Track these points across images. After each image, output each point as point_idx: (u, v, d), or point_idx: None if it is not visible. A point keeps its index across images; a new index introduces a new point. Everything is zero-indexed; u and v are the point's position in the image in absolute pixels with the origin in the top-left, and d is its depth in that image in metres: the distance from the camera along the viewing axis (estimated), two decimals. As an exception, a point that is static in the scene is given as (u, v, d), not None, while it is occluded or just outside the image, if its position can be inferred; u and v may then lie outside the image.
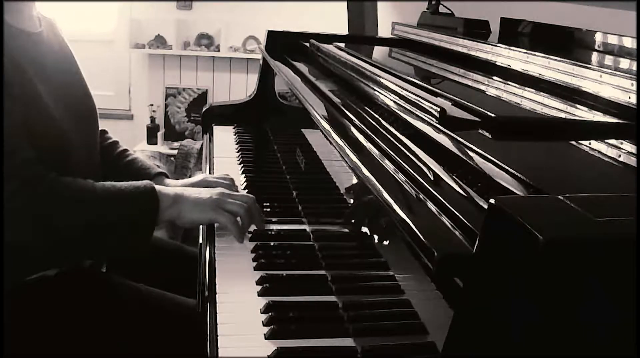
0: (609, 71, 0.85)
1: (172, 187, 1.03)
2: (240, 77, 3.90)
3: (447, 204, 0.60)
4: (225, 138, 1.69)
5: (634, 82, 0.79)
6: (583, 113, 0.85)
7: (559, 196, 0.46)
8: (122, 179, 1.22)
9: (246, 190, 1.27)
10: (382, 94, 0.96)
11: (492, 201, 0.45)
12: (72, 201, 0.91)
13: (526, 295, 0.42)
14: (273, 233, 1.09)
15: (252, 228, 1.05)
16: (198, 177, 1.25)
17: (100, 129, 1.25)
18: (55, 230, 0.88)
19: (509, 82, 1.05)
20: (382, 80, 0.99)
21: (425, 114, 0.78)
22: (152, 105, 3.86)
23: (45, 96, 0.95)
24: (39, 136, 0.93)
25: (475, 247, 0.47)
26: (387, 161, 0.76)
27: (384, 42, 1.84)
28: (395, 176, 0.72)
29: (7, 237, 0.84)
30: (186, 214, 0.99)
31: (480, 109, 0.75)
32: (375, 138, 0.84)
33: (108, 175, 1.20)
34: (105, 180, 1.21)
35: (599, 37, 1.12)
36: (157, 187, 0.99)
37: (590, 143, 0.71)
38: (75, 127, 1.02)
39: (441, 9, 1.85)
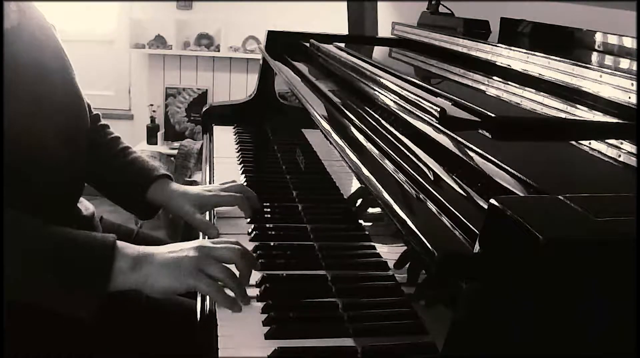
0: (609, 71, 0.85)
1: (138, 247, 0.85)
2: (240, 77, 3.90)
3: (447, 204, 0.60)
4: (225, 138, 1.69)
5: (634, 82, 0.79)
6: (583, 113, 0.85)
7: (559, 196, 0.46)
8: (122, 179, 1.17)
9: (218, 230, 1.22)
10: (382, 94, 0.96)
11: (492, 201, 0.45)
12: (21, 245, 0.81)
13: (526, 294, 0.42)
14: (273, 233, 1.09)
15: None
16: (211, 191, 1.13)
17: (101, 123, 1.21)
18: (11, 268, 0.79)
19: (509, 82, 1.05)
20: (382, 80, 0.99)
21: (425, 114, 0.78)
22: (152, 105, 3.86)
23: (21, 98, 0.89)
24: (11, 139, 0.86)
25: (475, 247, 0.47)
26: (387, 161, 0.76)
27: (384, 42, 1.84)
28: (395, 176, 0.72)
29: None
30: (154, 283, 0.82)
31: (480, 109, 0.75)
32: (375, 138, 0.84)
33: (106, 174, 1.17)
34: (102, 179, 1.17)
35: (599, 37, 1.12)
36: (121, 246, 0.83)
37: (590, 143, 0.71)
38: (54, 124, 0.96)
39: (441, 9, 1.85)
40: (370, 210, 0.85)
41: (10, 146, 0.86)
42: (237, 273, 0.87)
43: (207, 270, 0.83)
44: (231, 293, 0.84)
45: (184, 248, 0.85)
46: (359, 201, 0.91)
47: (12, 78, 0.89)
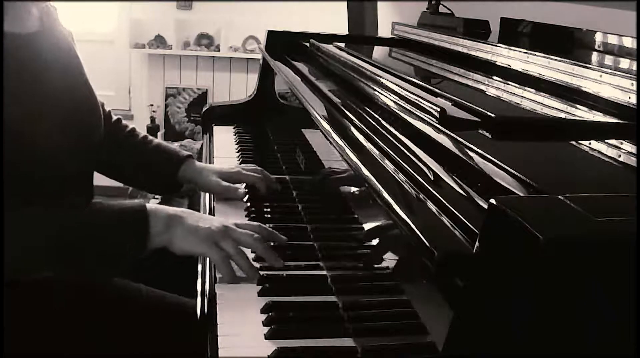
0: (609, 71, 0.85)
1: (168, 208, 0.95)
2: (240, 77, 3.90)
3: (447, 204, 0.60)
4: (225, 138, 1.69)
5: (634, 82, 0.79)
6: (583, 113, 0.85)
7: (559, 196, 0.46)
8: (155, 162, 1.26)
9: (246, 190, 1.26)
10: (382, 94, 0.96)
11: (492, 201, 0.45)
12: (57, 229, 0.88)
13: (526, 294, 0.42)
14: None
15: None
16: (233, 168, 1.26)
17: (114, 118, 1.27)
18: (39, 252, 0.87)
19: (509, 82, 1.05)
20: (382, 80, 0.99)
21: (425, 114, 0.78)
22: (152, 105, 3.87)
23: (34, 99, 0.93)
24: (26, 137, 0.91)
25: (475, 247, 0.47)
26: (387, 161, 0.76)
27: (384, 42, 1.84)
28: (395, 176, 0.72)
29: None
30: (178, 243, 0.92)
31: (480, 109, 0.75)
32: (375, 138, 0.84)
33: (136, 162, 1.26)
34: (132, 168, 1.26)
35: (599, 37, 1.12)
36: (150, 209, 0.92)
37: (590, 143, 0.71)
38: (68, 125, 0.99)
39: (441, 9, 1.85)
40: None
41: (27, 144, 0.90)
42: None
43: (222, 243, 0.91)
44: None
45: (209, 224, 0.93)
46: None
47: (34, 78, 0.93)
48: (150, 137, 1.30)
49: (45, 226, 0.88)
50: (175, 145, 1.36)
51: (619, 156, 0.67)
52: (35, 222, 0.87)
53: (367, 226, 0.85)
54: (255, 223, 0.99)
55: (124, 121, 1.30)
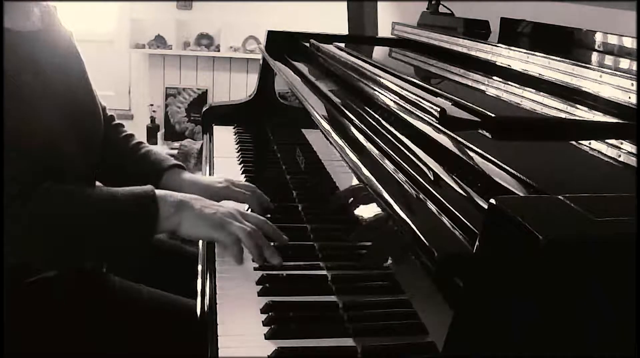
0: (609, 71, 0.85)
1: (177, 193, 0.98)
2: (240, 77, 3.90)
3: (447, 204, 0.60)
4: (225, 138, 1.69)
5: (634, 82, 0.79)
6: (583, 113, 0.85)
7: (559, 196, 0.46)
8: (138, 170, 1.23)
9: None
10: (382, 94, 0.96)
11: (492, 201, 0.45)
12: (67, 209, 0.89)
13: (526, 295, 0.42)
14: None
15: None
16: (222, 184, 1.17)
17: (115, 122, 1.26)
18: (50, 237, 0.87)
19: (509, 82, 1.05)
20: (382, 80, 0.99)
21: (425, 114, 0.78)
22: (152, 105, 3.87)
23: (35, 98, 0.94)
24: (26, 137, 0.91)
25: (475, 247, 0.47)
26: (387, 161, 0.76)
27: (384, 42, 1.84)
28: (395, 176, 0.72)
29: (7, 239, 0.83)
30: (186, 226, 0.94)
31: (480, 109, 0.75)
32: (375, 138, 0.84)
33: (122, 168, 1.23)
34: (119, 173, 1.22)
35: (599, 37, 1.12)
36: (160, 193, 0.94)
37: (590, 143, 0.71)
38: (69, 127, 1.00)
39: (441, 9, 1.85)
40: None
41: (30, 143, 0.90)
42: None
43: (229, 228, 0.93)
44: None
45: (216, 210, 0.95)
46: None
47: (34, 76, 0.93)
48: (144, 144, 1.27)
49: (54, 215, 0.88)
50: (175, 145, 1.35)
51: (619, 156, 0.67)
52: (45, 214, 0.87)
53: (367, 226, 0.85)
54: (261, 218, 1.00)
55: (123, 127, 1.28)
